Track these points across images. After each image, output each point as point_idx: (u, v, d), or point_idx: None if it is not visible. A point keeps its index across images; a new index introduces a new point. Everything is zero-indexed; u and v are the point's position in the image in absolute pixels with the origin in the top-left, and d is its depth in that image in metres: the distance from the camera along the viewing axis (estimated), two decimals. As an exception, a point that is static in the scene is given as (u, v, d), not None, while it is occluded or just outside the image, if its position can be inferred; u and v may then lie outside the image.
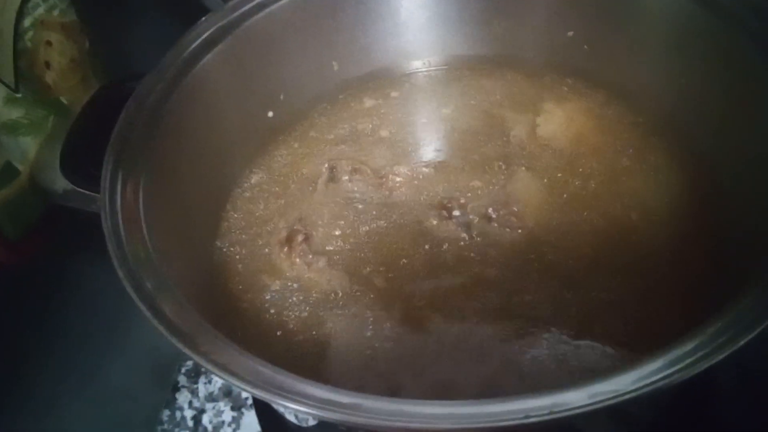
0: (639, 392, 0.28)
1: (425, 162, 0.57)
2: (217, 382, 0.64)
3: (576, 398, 0.27)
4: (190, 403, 0.64)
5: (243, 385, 0.31)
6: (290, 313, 0.47)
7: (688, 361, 0.28)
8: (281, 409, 0.53)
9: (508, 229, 0.50)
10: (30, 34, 0.56)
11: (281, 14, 0.57)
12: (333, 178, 0.55)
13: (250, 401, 0.61)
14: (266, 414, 0.56)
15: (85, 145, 0.48)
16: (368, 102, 0.64)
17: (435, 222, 0.52)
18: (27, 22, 0.56)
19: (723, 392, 0.49)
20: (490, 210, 0.51)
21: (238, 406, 0.62)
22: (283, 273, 0.50)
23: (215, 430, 0.61)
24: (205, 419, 0.63)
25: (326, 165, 0.56)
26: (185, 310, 0.36)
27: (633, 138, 0.56)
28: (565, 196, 0.52)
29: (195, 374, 0.64)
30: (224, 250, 0.52)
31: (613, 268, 0.47)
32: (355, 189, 0.55)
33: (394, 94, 0.65)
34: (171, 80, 0.49)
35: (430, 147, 0.60)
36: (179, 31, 0.53)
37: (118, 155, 0.43)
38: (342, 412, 0.28)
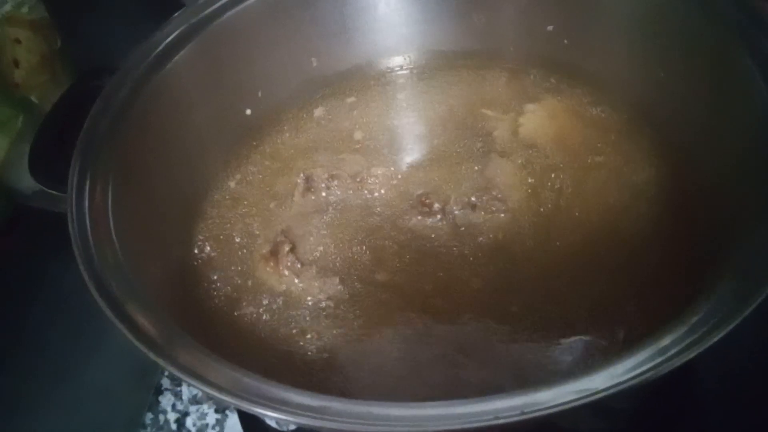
0: (611, 391, 0.27)
1: (403, 161, 0.57)
2: (201, 384, 0.63)
3: (547, 398, 0.27)
4: (174, 405, 0.63)
5: (210, 390, 0.30)
6: (286, 328, 0.46)
7: (659, 360, 0.28)
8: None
9: (492, 214, 0.50)
10: (-4, 31, 0.55)
11: (256, 9, 0.56)
12: (309, 187, 0.54)
13: (233, 404, 0.61)
14: (249, 417, 0.56)
15: (54, 145, 0.47)
16: (347, 99, 0.63)
17: (418, 218, 0.51)
18: (-7, 19, 0.55)
19: (706, 390, 0.49)
20: (473, 198, 0.51)
21: (222, 409, 0.62)
22: (272, 287, 0.48)
23: (199, 433, 0.61)
24: (189, 422, 0.62)
25: (301, 175, 0.55)
26: (155, 315, 0.35)
27: (615, 134, 0.56)
28: (547, 187, 0.52)
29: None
30: (200, 261, 0.51)
31: (594, 260, 0.47)
32: (334, 195, 0.54)
33: (374, 90, 0.64)
34: (140, 78, 0.48)
35: (408, 146, 0.59)
36: (155, 28, 0.52)
37: (85, 155, 0.42)
38: (305, 415, 0.27)
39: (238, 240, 0.52)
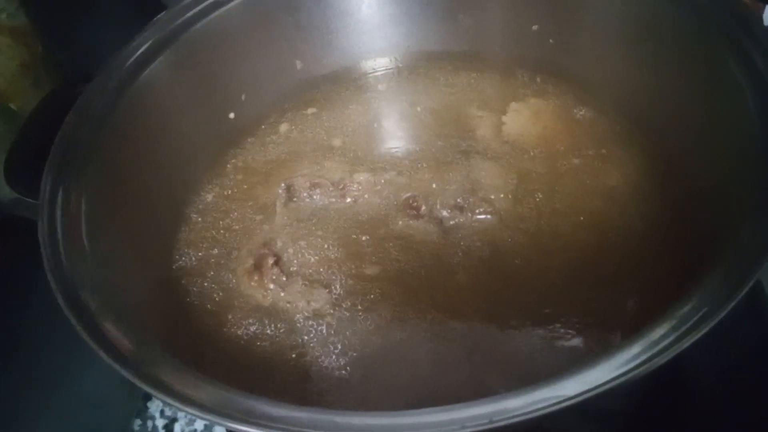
0: (582, 397, 0.27)
1: (386, 166, 0.56)
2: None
3: (516, 405, 0.26)
4: (162, 412, 0.63)
5: (191, 409, 0.30)
6: (272, 341, 0.45)
7: (631, 365, 0.27)
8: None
9: (479, 215, 0.50)
10: (-27, 38, 0.55)
11: (238, 13, 0.56)
12: (292, 197, 0.54)
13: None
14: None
15: (31, 153, 0.46)
16: (332, 102, 0.63)
17: (404, 222, 0.51)
18: (-31, 26, 0.55)
19: (699, 389, 0.49)
20: (459, 200, 0.51)
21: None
22: (258, 303, 0.47)
23: (186, 440, 0.60)
24: (177, 428, 0.61)
25: (282, 185, 0.54)
26: (132, 330, 0.34)
27: (600, 137, 0.55)
28: (532, 188, 0.52)
29: (166, 383, 0.63)
30: (181, 275, 0.50)
31: (583, 261, 0.46)
32: (317, 204, 0.53)
33: (358, 92, 0.63)
34: (118, 85, 0.48)
35: (391, 149, 0.58)
36: (137, 32, 0.51)
37: (59, 163, 0.42)
38: (282, 428, 0.27)
39: (219, 253, 0.51)
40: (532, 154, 0.55)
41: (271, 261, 0.48)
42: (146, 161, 0.49)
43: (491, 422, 0.26)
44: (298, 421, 0.27)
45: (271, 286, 0.47)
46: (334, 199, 0.53)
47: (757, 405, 0.45)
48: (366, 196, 0.53)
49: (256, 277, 0.48)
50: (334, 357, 0.43)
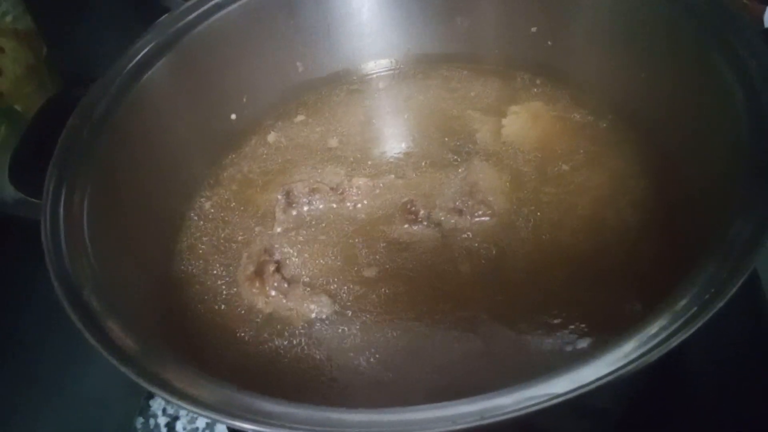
0: (573, 394, 0.27)
1: (385, 170, 0.56)
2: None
3: (507, 402, 0.27)
4: (164, 410, 0.63)
5: (194, 408, 0.30)
6: (275, 349, 0.45)
7: (623, 362, 0.28)
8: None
9: (478, 219, 0.50)
10: (-22, 41, 0.55)
11: (239, 15, 0.57)
12: (291, 203, 0.54)
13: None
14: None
15: (35, 154, 0.47)
16: (332, 104, 0.63)
17: (404, 227, 0.51)
18: (-25, 28, 0.55)
19: (696, 386, 0.49)
20: (457, 203, 0.51)
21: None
22: (259, 310, 0.47)
23: (189, 437, 0.61)
24: (179, 426, 0.62)
25: (281, 191, 0.54)
26: (135, 331, 0.35)
27: (598, 138, 0.55)
28: (530, 190, 0.52)
29: (169, 381, 0.64)
30: (183, 278, 0.50)
31: (583, 262, 0.47)
32: (316, 209, 0.53)
33: (358, 94, 0.64)
34: (120, 88, 0.48)
35: (389, 153, 0.58)
36: (140, 34, 0.52)
37: (62, 164, 0.42)
38: (268, 423, 0.27)
39: (219, 257, 0.51)
40: (531, 156, 0.55)
41: (272, 268, 0.48)
42: (147, 163, 0.50)
43: (482, 419, 0.26)
44: (296, 417, 0.28)
45: (273, 292, 0.47)
46: (333, 205, 0.53)
47: (753, 402, 0.45)
48: (365, 201, 0.53)
49: (257, 284, 0.48)
50: (335, 361, 0.43)
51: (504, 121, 0.58)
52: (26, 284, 0.62)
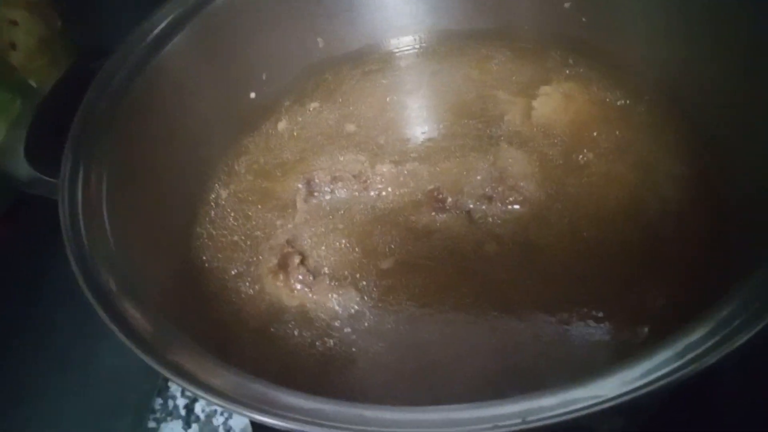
0: (623, 398, 0.25)
1: (409, 155, 0.54)
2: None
3: (551, 404, 0.25)
4: (183, 391, 0.63)
5: (211, 397, 0.29)
6: (303, 345, 0.43)
7: (678, 363, 0.26)
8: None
9: (510, 206, 0.48)
10: (-10, 13, 0.54)
11: (259, -13, 0.55)
12: (312, 192, 0.52)
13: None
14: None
15: (51, 130, 0.46)
16: (354, 82, 0.61)
17: (431, 215, 0.49)
18: (-14, 0, 0.54)
19: (725, 391, 0.47)
20: (487, 189, 0.49)
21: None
22: (284, 304, 0.46)
23: (208, 419, 0.60)
24: (198, 408, 0.61)
25: (302, 180, 0.52)
26: (152, 313, 0.34)
27: (636, 121, 0.52)
28: (564, 177, 0.50)
29: (189, 362, 0.63)
30: (203, 263, 0.48)
31: (619, 254, 0.45)
32: (339, 198, 0.51)
33: (381, 72, 0.61)
34: (138, 61, 0.46)
35: (413, 137, 0.56)
36: (157, 7, 0.50)
37: (79, 141, 0.41)
38: (303, 420, 0.26)
39: (240, 246, 0.50)
40: (563, 140, 0.52)
41: (297, 260, 0.47)
42: (165, 141, 0.48)
43: (524, 422, 0.25)
44: (326, 414, 0.26)
45: (298, 286, 0.46)
46: (356, 193, 0.51)
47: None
48: (389, 188, 0.51)
49: (281, 277, 0.46)
50: (364, 355, 0.42)
51: (534, 103, 0.56)
52: (43, 264, 0.61)
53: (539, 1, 0.59)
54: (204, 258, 0.49)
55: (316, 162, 0.54)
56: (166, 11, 0.50)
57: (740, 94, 0.45)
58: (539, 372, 0.39)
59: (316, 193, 0.52)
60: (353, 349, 0.42)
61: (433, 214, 0.49)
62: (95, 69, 0.46)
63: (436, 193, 0.50)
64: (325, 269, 0.47)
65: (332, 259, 0.48)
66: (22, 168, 0.44)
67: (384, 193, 0.51)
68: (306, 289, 0.45)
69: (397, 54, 0.63)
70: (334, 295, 0.45)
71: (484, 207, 0.48)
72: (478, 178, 0.50)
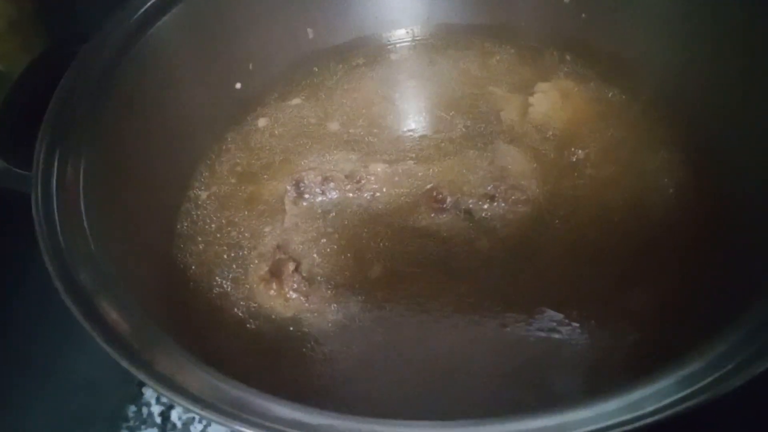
0: (665, 413, 0.24)
1: (404, 154, 0.52)
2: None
3: (587, 416, 0.23)
4: (158, 398, 0.60)
5: (186, 402, 0.27)
6: (300, 356, 0.41)
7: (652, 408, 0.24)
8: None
9: (513, 205, 0.47)
10: (-45, -6, 0.50)
11: (249, -27, 0.52)
12: (301, 194, 0.49)
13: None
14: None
15: (22, 118, 0.42)
16: (345, 76, 0.58)
17: (430, 216, 0.47)
18: (-49, -20, 0.50)
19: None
20: (489, 188, 0.47)
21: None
22: (279, 313, 0.43)
23: (185, 427, 0.57)
24: (174, 415, 0.58)
25: (290, 181, 0.49)
26: (131, 313, 0.32)
27: (633, 121, 0.52)
28: (561, 174, 0.49)
29: (163, 368, 0.61)
30: (185, 262, 0.46)
31: (614, 248, 0.44)
32: (330, 200, 0.49)
33: (373, 67, 0.59)
34: (120, 45, 0.44)
35: (407, 133, 0.54)
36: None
37: (55, 130, 0.38)
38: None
39: (225, 249, 0.47)
40: (560, 138, 0.51)
41: (291, 267, 0.44)
42: (147, 131, 0.46)
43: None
44: (338, 428, 0.24)
45: (293, 295, 0.43)
46: (349, 194, 0.49)
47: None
48: (384, 189, 0.49)
49: (274, 285, 0.44)
50: (367, 366, 0.40)
51: (531, 100, 0.55)
52: (15, 263, 0.58)
53: (539, -3, 0.58)
54: (187, 259, 0.47)
55: (303, 161, 0.52)
56: (151, -8, 0.47)
57: (737, 94, 0.45)
58: (551, 373, 0.38)
59: (306, 195, 0.49)
60: (354, 360, 0.40)
61: (433, 215, 0.47)
62: (70, 54, 0.43)
63: (434, 193, 0.48)
64: (320, 276, 0.45)
65: (326, 265, 0.45)
66: (-9, 159, 0.40)
67: (378, 194, 0.49)
68: (302, 299, 0.43)
69: (388, 47, 0.61)
70: (333, 304, 0.43)
71: (485, 206, 0.47)
72: (477, 177, 0.49)
